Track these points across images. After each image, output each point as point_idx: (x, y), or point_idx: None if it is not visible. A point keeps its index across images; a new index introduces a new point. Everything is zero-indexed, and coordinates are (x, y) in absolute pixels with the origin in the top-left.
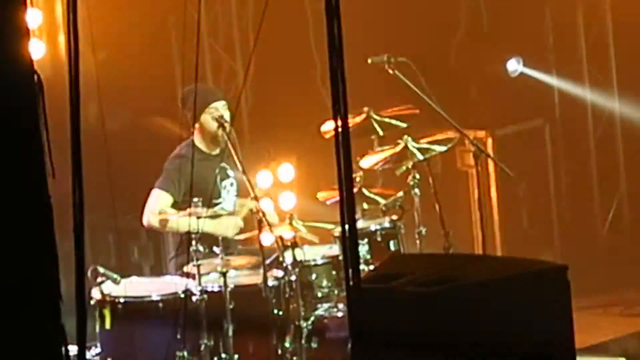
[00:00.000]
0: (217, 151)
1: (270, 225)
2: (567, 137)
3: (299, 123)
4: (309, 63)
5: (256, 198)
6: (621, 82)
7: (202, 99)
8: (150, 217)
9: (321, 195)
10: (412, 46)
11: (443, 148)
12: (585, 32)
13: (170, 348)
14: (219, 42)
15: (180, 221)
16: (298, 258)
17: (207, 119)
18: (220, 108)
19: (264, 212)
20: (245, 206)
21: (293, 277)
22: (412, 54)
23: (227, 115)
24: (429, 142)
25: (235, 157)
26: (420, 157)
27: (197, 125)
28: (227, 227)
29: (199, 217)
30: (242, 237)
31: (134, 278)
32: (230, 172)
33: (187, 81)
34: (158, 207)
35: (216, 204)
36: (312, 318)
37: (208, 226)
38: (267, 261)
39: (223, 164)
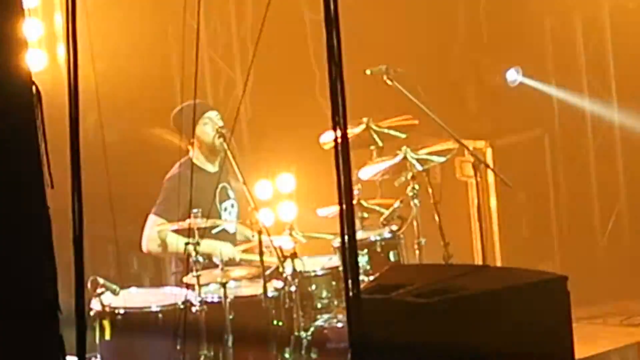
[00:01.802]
0: (215, 167)
1: (269, 235)
2: (566, 147)
3: (298, 134)
4: (308, 73)
5: (256, 208)
6: (620, 92)
7: (197, 112)
8: (147, 243)
9: (321, 211)
10: (412, 57)
11: (442, 159)
12: (585, 42)
13: (170, 359)
14: (218, 52)
15: (180, 241)
16: (298, 269)
17: (203, 130)
18: (213, 117)
19: (264, 224)
20: (241, 234)
21: (293, 288)
22: (411, 64)
23: (220, 123)
24: (428, 153)
25: (234, 166)
26: (419, 167)
27: (192, 141)
28: (221, 253)
29: (198, 228)
30: (242, 247)
31: (133, 289)
32: (230, 193)
33: (187, 91)
34: (154, 233)
35: (217, 226)
36: (312, 329)
37: (205, 247)
38: (267, 272)
39: (224, 184)
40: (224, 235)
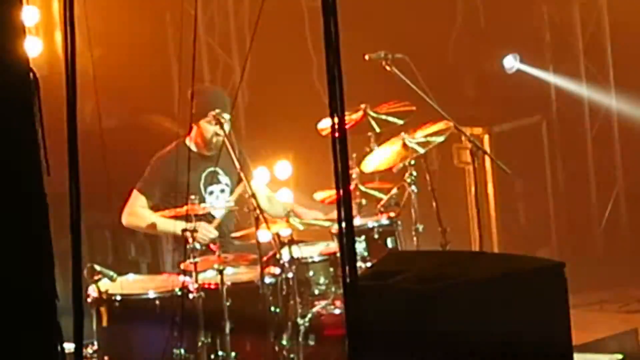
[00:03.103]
0: (209, 152)
1: (267, 222)
2: (564, 134)
3: (296, 120)
4: (305, 60)
5: (253, 196)
6: (618, 78)
7: (210, 105)
8: (127, 217)
9: (318, 195)
10: (409, 43)
11: (441, 138)
12: (582, 29)
13: (167, 345)
14: (215, 39)
15: (169, 223)
16: (295, 255)
17: (207, 127)
18: (226, 120)
19: (262, 209)
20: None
21: (290, 275)
22: (409, 50)
23: (227, 128)
24: (425, 135)
25: (234, 158)
26: (420, 150)
27: (195, 127)
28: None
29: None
30: (238, 234)
31: (130, 276)
32: (222, 178)
33: (184, 78)
34: (135, 209)
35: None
36: (309, 315)
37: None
38: (264, 258)
39: (215, 169)
40: (207, 219)
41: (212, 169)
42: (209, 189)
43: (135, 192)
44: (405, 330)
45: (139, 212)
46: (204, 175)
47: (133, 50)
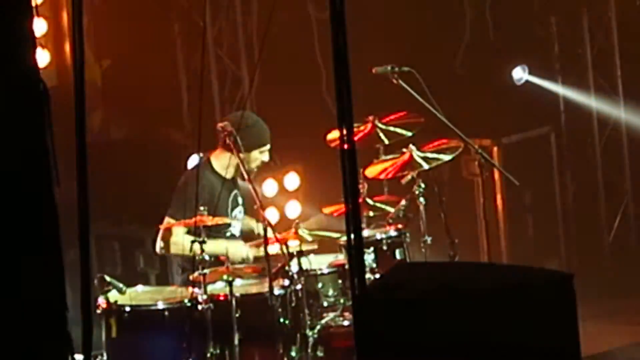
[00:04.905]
0: (229, 174)
1: (276, 233)
2: (572, 145)
3: (305, 132)
4: (314, 72)
5: (261, 207)
6: (627, 89)
7: (259, 138)
8: (158, 244)
9: (327, 210)
10: (418, 55)
11: (448, 157)
12: (591, 40)
13: (176, 356)
14: (224, 50)
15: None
16: (304, 267)
17: (257, 156)
18: (267, 150)
19: (270, 222)
20: (248, 226)
21: (299, 286)
22: (417, 62)
23: (266, 158)
24: (434, 151)
25: (245, 175)
26: (425, 166)
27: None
28: (234, 254)
29: (202, 242)
30: (248, 244)
31: (139, 287)
32: (240, 200)
33: (193, 89)
34: (165, 235)
35: (225, 231)
36: (318, 327)
37: (213, 247)
38: (273, 270)
39: (236, 191)
40: (232, 239)
41: (235, 191)
42: (234, 212)
43: (167, 219)
44: (414, 341)
45: (170, 237)
46: (230, 199)
47: (141, 62)
